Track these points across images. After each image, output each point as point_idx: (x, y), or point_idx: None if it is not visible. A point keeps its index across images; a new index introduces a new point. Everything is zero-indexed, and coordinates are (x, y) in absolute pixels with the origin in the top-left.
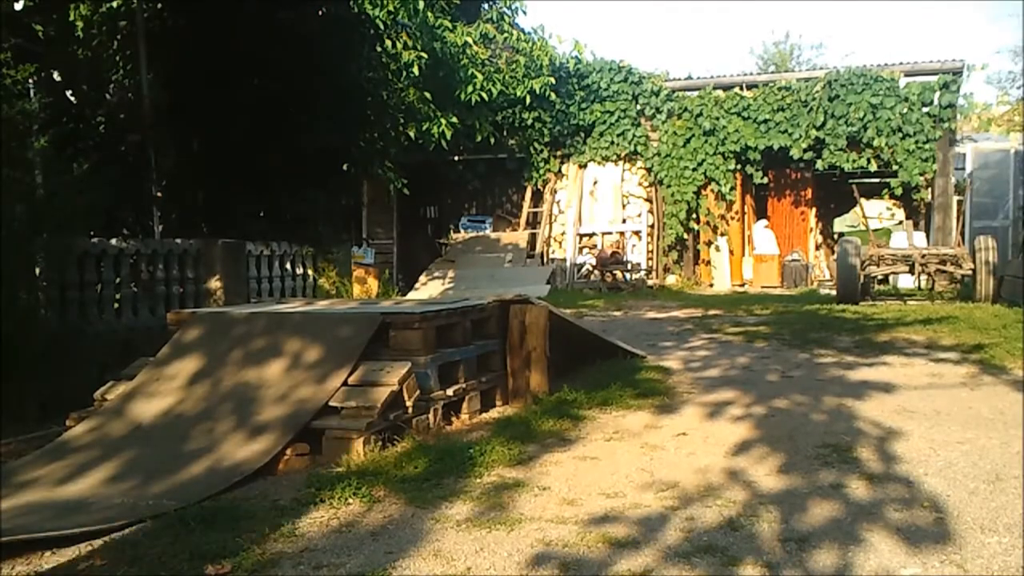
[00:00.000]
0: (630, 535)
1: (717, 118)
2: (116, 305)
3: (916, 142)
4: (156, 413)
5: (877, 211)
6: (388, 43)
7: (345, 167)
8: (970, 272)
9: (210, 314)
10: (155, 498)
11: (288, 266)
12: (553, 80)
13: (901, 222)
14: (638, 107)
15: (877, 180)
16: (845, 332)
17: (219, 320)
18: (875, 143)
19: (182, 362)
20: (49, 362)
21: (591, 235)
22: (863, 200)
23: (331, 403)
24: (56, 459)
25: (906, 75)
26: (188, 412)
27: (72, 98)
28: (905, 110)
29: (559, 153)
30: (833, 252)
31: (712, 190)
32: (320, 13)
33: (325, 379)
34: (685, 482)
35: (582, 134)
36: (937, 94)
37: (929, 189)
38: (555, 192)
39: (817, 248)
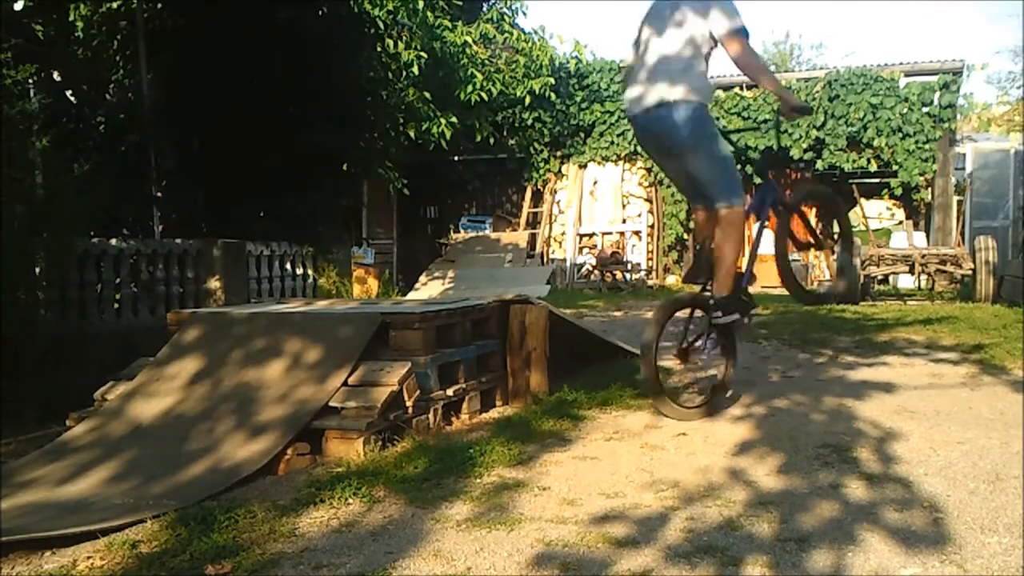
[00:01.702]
0: (630, 535)
1: (717, 118)
2: (116, 305)
3: (916, 142)
4: (156, 413)
5: (877, 211)
6: (389, 42)
7: (345, 167)
8: (970, 272)
9: (210, 314)
10: (155, 498)
11: (288, 266)
12: (553, 80)
13: (901, 222)
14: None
15: (877, 180)
16: (845, 332)
17: (219, 320)
18: (875, 143)
19: (182, 362)
20: (49, 362)
21: (591, 235)
22: (863, 200)
23: (331, 403)
24: (56, 459)
25: (906, 75)
26: (188, 412)
27: (72, 98)
28: (905, 110)
29: (559, 153)
30: (833, 252)
31: None
32: (320, 13)
33: (325, 379)
34: (685, 482)
35: (582, 134)
36: (937, 94)
37: (929, 189)
38: (555, 192)
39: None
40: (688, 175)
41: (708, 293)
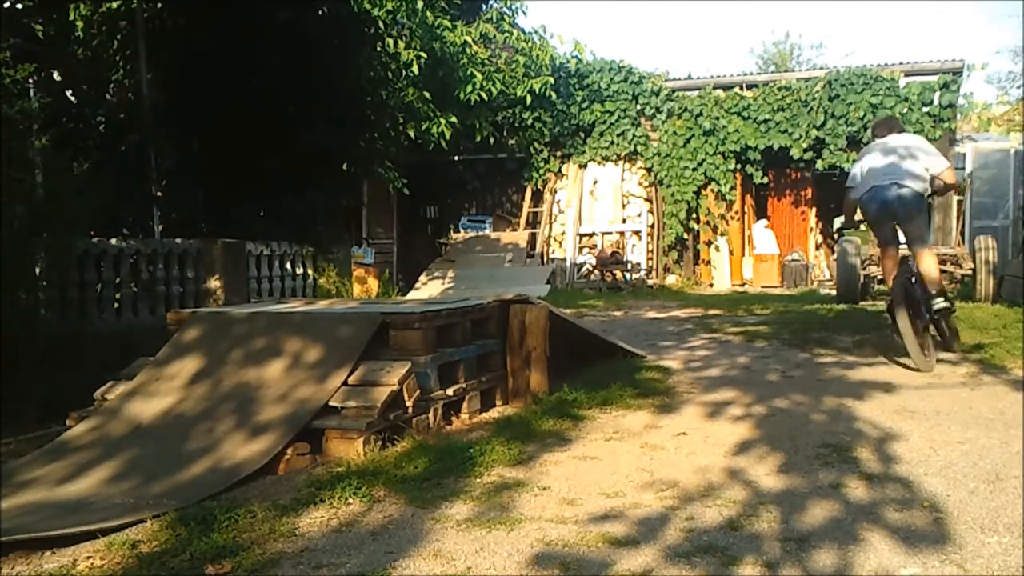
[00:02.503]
0: (630, 535)
1: (717, 118)
2: (116, 305)
3: None
4: (156, 413)
5: None
6: (389, 42)
7: (345, 167)
8: (970, 272)
9: (210, 314)
10: (155, 498)
11: (288, 266)
12: (553, 80)
13: None
14: (638, 107)
15: None
16: (845, 332)
17: (219, 320)
18: None
19: (182, 362)
20: (49, 362)
21: (591, 235)
22: None
23: (331, 403)
24: (56, 459)
25: (906, 75)
26: (188, 412)
27: (72, 98)
28: (905, 110)
29: (559, 153)
30: (833, 252)
31: (712, 190)
32: (320, 13)
33: (325, 379)
34: (685, 482)
35: (582, 134)
36: (937, 94)
37: None
38: (555, 192)
39: (817, 248)
40: None
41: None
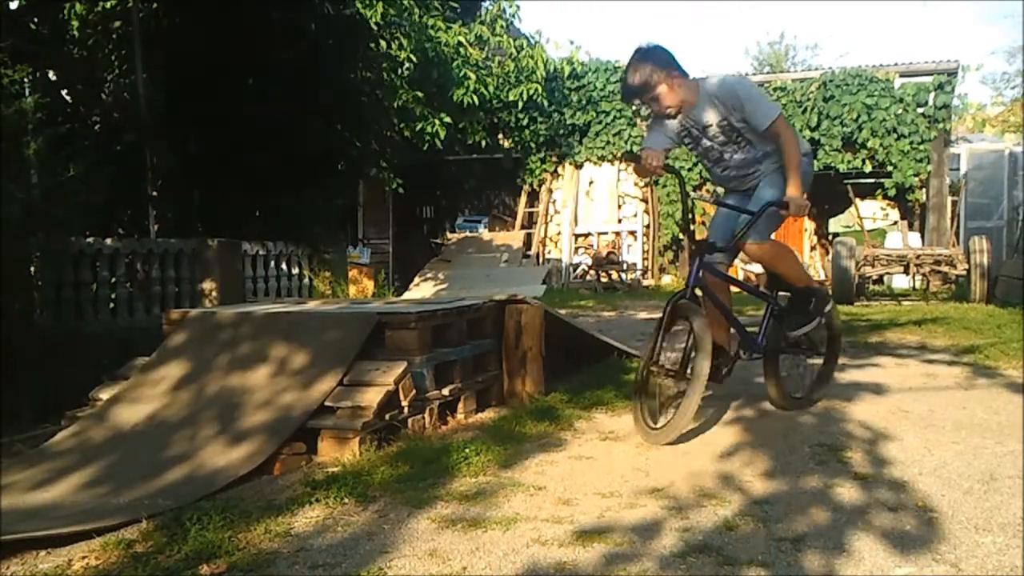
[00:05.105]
0: (625, 536)
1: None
2: (111, 305)
3: (911, 143)
4: (139, 419)
5: (872, 212)
6: (383, 43)
7: (341, 167)
8: (964, 273)
9: (201, 316)
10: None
11: (284, 266)
12: (542, 88)
13: (896, 223)
14: (633, 107)
15: (872, 181)
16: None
17: (209, 322)
18: (870, 144)
19: (167, 367)
20: (46, 362)
21: (587, 235)
22: (858, 200)
23: (327, 403)
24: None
25: (901, 76)
26: (171, 418)
27: (67, 98)
28: (900, 111)
29: (555, 154)
30: (828, 253)
31: (708, 190)
32: (316, 13)
33: (321, 379)
34: (680, 482)
35: (578, 134)
36: (932, 95)
37: (924, 190)
38: (551, 192)
39: (812, 249)
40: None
41: None
